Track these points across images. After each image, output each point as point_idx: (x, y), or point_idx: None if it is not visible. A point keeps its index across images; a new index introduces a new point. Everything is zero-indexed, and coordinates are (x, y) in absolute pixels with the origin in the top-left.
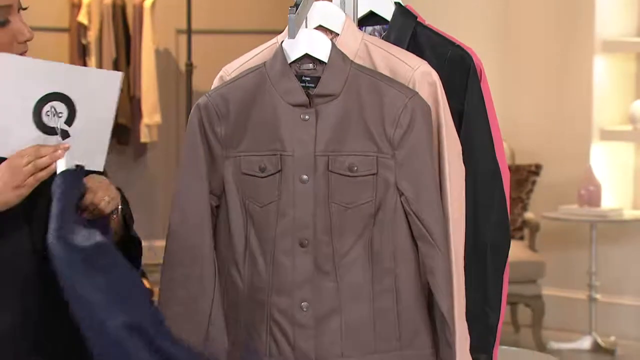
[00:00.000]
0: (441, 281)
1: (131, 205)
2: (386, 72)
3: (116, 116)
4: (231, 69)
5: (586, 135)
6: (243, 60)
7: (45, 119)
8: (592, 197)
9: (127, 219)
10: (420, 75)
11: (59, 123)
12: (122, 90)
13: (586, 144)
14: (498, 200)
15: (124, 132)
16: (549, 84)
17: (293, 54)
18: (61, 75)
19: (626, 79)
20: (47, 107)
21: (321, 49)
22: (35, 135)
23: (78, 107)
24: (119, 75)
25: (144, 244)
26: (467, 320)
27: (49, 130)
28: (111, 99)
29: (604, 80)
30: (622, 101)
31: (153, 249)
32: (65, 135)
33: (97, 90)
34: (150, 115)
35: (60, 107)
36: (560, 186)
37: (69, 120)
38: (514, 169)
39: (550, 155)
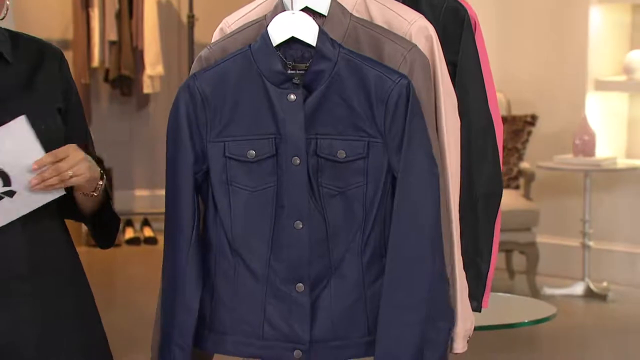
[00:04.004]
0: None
1: (134, 155)
2: (383, 26)
3: (119, 68)
4: (231, 21)
5: (581, 86)
6: (243, 12)
7: None
8: (586, 146)
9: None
10: (416, 29)
11: None
12: (125, 42)
13: (581, 95)
14: (491, 152)
15: (126, 83)
16: (545, 34)
17: (295, 7)
18: None
19: (621, 30)
20: None
21: (321, 3)
22: None
23: (7, 169)
24: (22, 120)
25: (147, 192)
26: None
27: None
28: (29, 140)
29: (599, 30)
30: (617, 52)
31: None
32: (11, 193)
33: (13, 144)
34: (153, 66)
35: None
36: (555, 136)
37: (7, 182)
38: (510, 120)
39: (546, 105)
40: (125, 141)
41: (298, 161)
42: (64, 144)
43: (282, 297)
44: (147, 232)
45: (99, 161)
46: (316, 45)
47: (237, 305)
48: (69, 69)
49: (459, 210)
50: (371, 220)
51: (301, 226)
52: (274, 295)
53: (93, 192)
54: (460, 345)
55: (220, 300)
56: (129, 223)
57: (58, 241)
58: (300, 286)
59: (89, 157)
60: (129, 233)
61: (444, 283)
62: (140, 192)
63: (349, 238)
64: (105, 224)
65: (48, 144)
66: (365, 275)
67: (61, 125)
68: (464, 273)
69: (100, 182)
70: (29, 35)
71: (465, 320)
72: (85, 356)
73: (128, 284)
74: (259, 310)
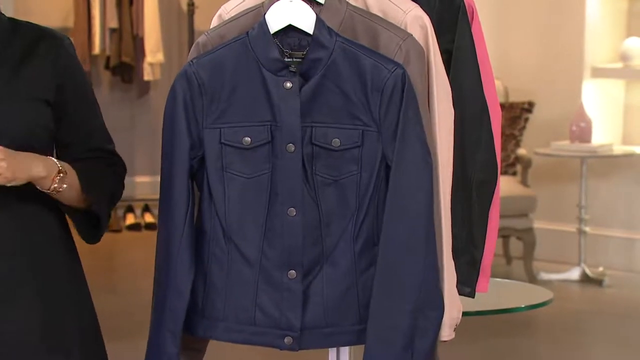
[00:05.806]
0: None
1: (135, 142)
2: (379, 14)
3: (120, 55)
4: (229, 8)
5: (578, 73)
6: None
7: None
8: (583, 133)
9: (89, 196)
10: (411, 18)
11: None
12: (125, 29)
13: (578, 81)
14: (486, 140)
15: (127, 70)
16: (542, 21)
17: None
18: None
19: (618, 17)
20: None
21: None
22: None
23: None
24: None
25: (148, 179)
26: (453, 255)
27: None
28: None
29: (596, 18)
30: (614, 39)
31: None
32: None
33: None
34: (153, 54)
35: None
36: (552, 123)
37: None
38: (508, 106)
39: (543, 92)
40: (126, 128)
41: (293, 148)
42: (50, 138)
43: (275, 284)
44: (148, 218)
45: (116, 156)
46: (313, 33)
47: (229, 291)
48: (72, 59)
49: (454, 196)
50: (364, 209)
51: (294, 213)
52: (267, 282)
53: (48, 189)
54: (446, 333)
55: (213, 287)
56: (130, 209)
57: (48, 226)
58: (292, 273)
59: (42, 166)
60: (130, 219)
61: (436, 272)
62: (141, 179)
63: (342, 226)
64: (90, 223)
65: (27, 138)
66: (358, 263)
67: (47, 118)
68: (452, 261)
69: (55, 183)
70: (32, 24)
71: (452, 308)
72: (81, 339)
73: (129, 269)
74: (251, 297)
